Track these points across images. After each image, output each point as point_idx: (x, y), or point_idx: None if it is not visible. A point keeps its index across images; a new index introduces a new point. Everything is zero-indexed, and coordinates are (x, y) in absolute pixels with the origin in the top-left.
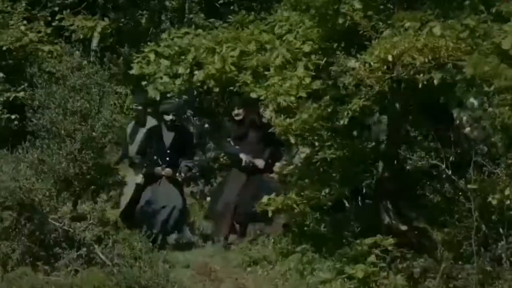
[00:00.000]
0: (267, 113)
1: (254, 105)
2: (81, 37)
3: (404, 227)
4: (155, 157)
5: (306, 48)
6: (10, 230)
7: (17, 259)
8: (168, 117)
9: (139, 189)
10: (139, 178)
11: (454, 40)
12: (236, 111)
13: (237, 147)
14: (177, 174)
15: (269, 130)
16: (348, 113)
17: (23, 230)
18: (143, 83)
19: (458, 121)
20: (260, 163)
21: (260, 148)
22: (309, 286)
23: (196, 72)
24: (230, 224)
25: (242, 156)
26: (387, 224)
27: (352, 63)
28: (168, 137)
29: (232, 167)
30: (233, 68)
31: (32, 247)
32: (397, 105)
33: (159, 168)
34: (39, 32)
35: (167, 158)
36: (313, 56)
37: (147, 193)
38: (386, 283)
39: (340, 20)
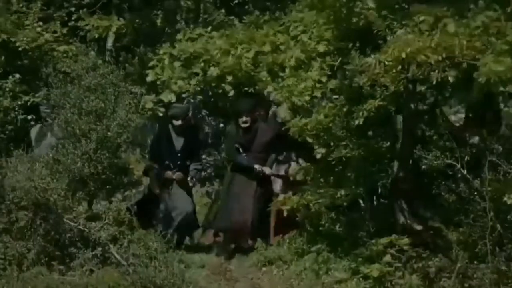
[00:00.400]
0: (281, 113)
1: (265, 107)
2: (96, 36)
3: (419, 227)
4: (166, 162)
5: (321, 48)
6: (25, 230)
7: (32, 259)
8: (177, 122)
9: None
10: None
11: (467, 38)
12: (244, 119)
13: (244, 154)
14: (188, 179)
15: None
16: (363, 113)
17: (38, 230)
18: (158, 83)
19: None
20: (268, 170)
21: (264, 156)
22: (324, 286)
23: (212, 68)
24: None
25: (256, 166)
26: (402, 223)
27: (369, 59)
28: (178, 140)
29: (233, 171)
30: (248, 65)
31: (47, 247)
32: (412, 105)
33: (170, 172)
34: (55, 32)
35: (178, 162)
36: (327, 57)
37: (161, 198)
38: (401, 283)
39: (354, 19)
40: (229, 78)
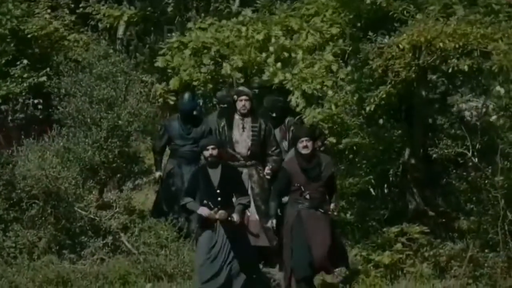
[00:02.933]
0: (293, 101)
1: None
2: (108, 26)
3: (430, 213)
4: (204, 201)
5: (334, 30)
6: (36, 218)
7: (43, 248)
8: (207, 153)
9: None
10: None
11: (479, 26)
12: (304, 143)
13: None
14: (229, 218)
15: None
16: (374, 100)
17: (49, 219)
18: (168, 70)
19: (484, 109)
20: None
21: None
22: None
23: (224, 64)
24: None
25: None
26: (413, 211)
27: (385, 40)
28: (215, 174)
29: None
30: (258, 53)
31: (58, 235)
32: (423, 93)
33: (211, 212)
34: (64, 20)
35: (218, 199)
36: (340, 41)
37: (204, 242)
38: (412, 271)
39: (368, 0)
40: (239, 75)
